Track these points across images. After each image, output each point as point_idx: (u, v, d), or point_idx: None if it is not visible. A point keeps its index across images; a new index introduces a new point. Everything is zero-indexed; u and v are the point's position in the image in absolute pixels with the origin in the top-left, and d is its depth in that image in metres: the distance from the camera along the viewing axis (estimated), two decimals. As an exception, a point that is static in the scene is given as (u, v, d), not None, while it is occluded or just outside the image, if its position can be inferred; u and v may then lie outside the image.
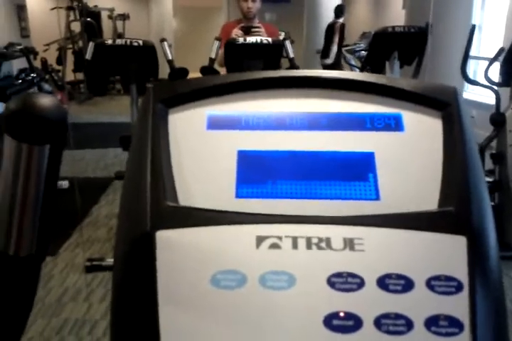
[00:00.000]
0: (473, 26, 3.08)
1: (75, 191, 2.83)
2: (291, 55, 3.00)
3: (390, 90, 0.65)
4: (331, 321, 0.49)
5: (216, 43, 2.98)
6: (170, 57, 2.99)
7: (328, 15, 7.16)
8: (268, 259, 0.52)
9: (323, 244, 0.53)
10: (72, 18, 8.01)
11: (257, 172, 0.60)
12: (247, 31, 3.10)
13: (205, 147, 0.62)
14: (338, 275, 0.51)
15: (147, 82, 3.06)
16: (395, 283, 0.51)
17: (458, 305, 0.50)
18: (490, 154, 2.85)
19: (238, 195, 0.58)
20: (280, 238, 0.53)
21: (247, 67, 2.87)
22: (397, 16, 7.45)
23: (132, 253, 0.54)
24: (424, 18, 3.88)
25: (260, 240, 0.53)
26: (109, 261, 2.72)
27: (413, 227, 0.54)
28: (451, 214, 0.55)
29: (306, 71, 0.68)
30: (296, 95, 0.66)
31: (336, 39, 6.42)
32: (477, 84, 3.11)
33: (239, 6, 3.26)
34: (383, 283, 0.51)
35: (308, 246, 0.53)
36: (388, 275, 0.51)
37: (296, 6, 9.31)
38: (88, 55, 2.87)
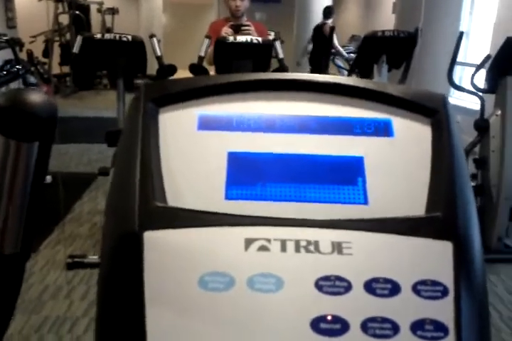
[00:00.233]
0: (461, 33, 3.12)
1: (58, 186, 2.79)
2: (281, 55, 3.00)
3: (380, 96, 0.65)
4: (318, 324, 0.49)
5: (206, 41, 2.97)
6: (159, 54, 2.97)
7: (318, 17, 7.18)
8: (256, 262, 0.52)
9: (311, 247, 0.53)
10: (60, 10, 7.90)
11: (247, 174, 0.60)
12: (237, 29, 3.09)
13: (195, 147, 0.61)
14: (326, 278, 0.51)
15: (135, 77, 3.04)
16: (381, 287, 0.51)
17: (443, 310, 0.50)
18: (473, 159, 2.90)
19: (227, 197, 0.58)
20: (269, 240, 0.53)
21: (237, 66, 2.87)
22: (386, 20, 7.51)
23: (119, 254, 0.54)
24: (413, 23, 3.93)
25: (249, 242, 0.53)
26: (91, 258, 2.70)
27: (400, 232, 0.55)
28: (438, 220, 0.56)
29: (299, 74, 0.68)
30: (288, 98, 0.66)
31: (336, 42, 6.42)
32: (463, 90, 3.16)
33: (227, 4, 3.25)
34: (370, 286, 0.51)
35: (297, 249, 0.53)
36: (375, 280, 0.51)
37: (287, 6, 9.33)
38: (76, 49, 2.84)
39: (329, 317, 0.49)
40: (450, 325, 0.49)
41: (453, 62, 3.03)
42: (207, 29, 3.29)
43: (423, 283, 0.51)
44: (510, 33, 2.76)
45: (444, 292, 0.51)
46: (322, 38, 6.49)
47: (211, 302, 0.50)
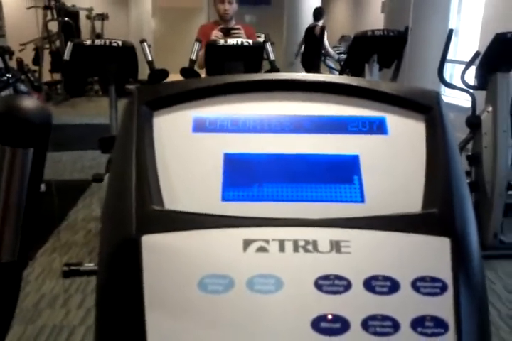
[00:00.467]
0: (451, 31, 3.14)
1: (52, 194, 2.78)
2: (272, 57, 3.01)
3: (374, 94, 0.66)
4: (318, 324, 0.49)
5: (196, 45, 2.97)
6: (150, 58, 2.96)
7: (308, 18, 7.21)
8: (255, 263, 0.52)
9: (309, 247, 0.53)
10: (49, 17, 7.88)
11: (243, 175, 0.60)
12: (227, 33, 3.10)
13: (190, 150, 0.61)
14: (325, 277, 0.51)
15: (126, 83, 3.03)
16: (381, 284, 0.51)
17: (443, 306, 0.50)
18: (466, 156, 2.91)
19: (224, 198, 0.58)
20: (267, 241, 0.53)
21: (228, 69, 2.87)
22: (375, 20, 7.55)
23: (118, 258, 0.53)
24: (402, 22, 3.95)
25: (247, 243, 0.53)
26: (88, 265, 2.66)
27: (398, 229, 0.55)
28: (435, 216, 0.56)
29: (292, 74, 0.68)
30: (282, 98, 0.66)
31: (326, 42, 6.44)
32: (454, 88, 3.17)
33: (215, 8, 3.26)
34: (370, 284, 0.51)
35: (295, 249, 0.53)
36: (374, 277, 0.51)
37: (276, 9, 9.36)
38: (66, 56, 2.83)
39: (330, 317, 0.49)
40: (450, 320, 0.49)
41: (443, 59, 3.05)
42: (196, 33, 3.29)
43: (422, 279, 0.51)
44: (498, 29, 2.78)
45: (443, 288, 0.51)
46: (314, 39, 6.51)
47: (211, 305, 0.49)
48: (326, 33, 6.35)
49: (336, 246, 0.53)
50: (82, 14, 8.99)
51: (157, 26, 11.57)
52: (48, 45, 7.94)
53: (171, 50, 10.19)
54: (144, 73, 2.97)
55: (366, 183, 0.59)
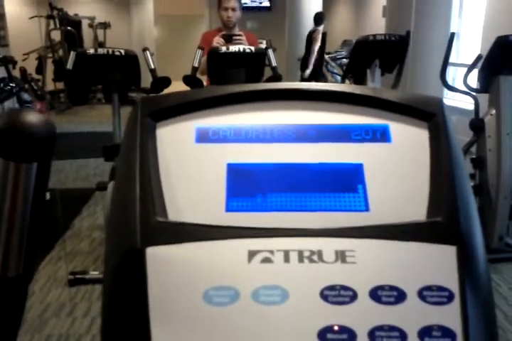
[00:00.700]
0: (452, 34, 3.14)
1: (56, 203, 2.78)
2: (274, 63, 3.01)
3: (376, 102, 0.66)
4: (325, 335, 0.48)
5: (199, 52, 2.98)
6: (152, 66, 2.97)
7: (309, 23, 7.22)
8: (260, 274, 0.51)
9: (315, 257, 0.53)
10: (52, 26, 7.94)
11: (247, 185, 0.60)
12: (229, 39, 3.11)
13: (194, 160, 0.61)
14: (331, 288, 0.51)
15: (129, 91, 3.04)
16: (387, 294, 0.51)
17: (450, 315, 0.50)
18: (470, 159, 2.90)
19: (228, 209, 0.57)
20: (272, 252, 0.53)
21: (230, 76, 2.88)
22: (377, 24, 7.56)
23: (122, 271, 0.53)
24: (403, 26, 3.96)
25: (252, 254, 0.53)
26: (93, 273, 2.68)
27: (403, 238, 0.54)
28: (440, 224, 0.56)
29: (294, 83, 0.68)
30: (284, 107, 0.66)
31: (316, 48, 6.44)
32: (456, 91, 3.17)
33: (219, 15, 3.27)
34: (376, 294, 0.51)
35: (300, 259, 0.52)
36: (380, 287, 0.51)
37: (278, 14, 9.40)
38: (69, 65, 2.84)
39: (336, 328, 0.49)
40: (457, 330, 0.49)
41: (445, 63, 3.05)
42: (199, 40, 3.31)
43: (428, 288, 0.51)
44: (499, 32, 2.78)
45: (450, 297, 0.51)
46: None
47: (217, 317, 0.49)
48: (324, 39, 6.33)
49: (341, 256, 0.53)
50: (85, 23, 9.05)
51: (159, 34, 11.63)
52: (50, 54, 7.99)
53: (174, 57, 10.25)
54: (146, 81, 2.98)
55: (370, 192, 0.59)
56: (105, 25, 9.20)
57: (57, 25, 7.97)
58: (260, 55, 2.94)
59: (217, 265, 0.52)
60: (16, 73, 5.62)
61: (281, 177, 0.60)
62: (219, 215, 0.57)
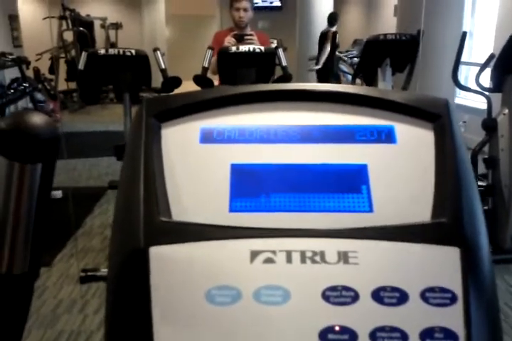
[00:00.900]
0: (465, 33, 3.11)
1: (68, 201, 2.81)
2: (284, 63, 3.01)
3: (382, 102, 0.65)
4: (326, 335, 0.48)
5: (209, 52, 3.00)
6: (163, 67, 2.99)
7: (320, 23, 7.20)
8: (262, 274, 0.52)
9: (317, 258, 0.53)
10: (64, 27, 8.02)
11: (251, 185, 0.60)
12: (240, 39, 3.12)
13: (198, 161, 0.62)
14: (333, 288, 0.51)
15: (140, 91, 3.07)
16: (389, 295, 0.51)
17: (452, 317, 0.50)
18: (483, 159, 2.87)
19: (232, 209, 0.58)
20: (274, 252, 0.53)
21: (240, 76, 2.88)
22: (388, 24, 7.51)
23: (126, 269, 0.54)
24: (415, 25, 3.92)
25: (254, 255, 0.53)
26: (104, 271, 2.70)
27: (407, 239, 0.54)
28: (445, 226, 0.55)
29: (299, 84, 0.68)
30: (289, 108, 0.66)
31: (328, 47, 6.42)
32: (468, 90, 3.14)
33: (231, 15, 3.28)
34: (378, 296, 0.51)
35: (303, 260, 0.53)
36: (383, 288, 0.51)
37: (289, 14, 9.38)
38: (81, 65, 2.87)
39: (337, 328, 0.49)
40: (460, 332, 0.49)
41: (457, 62, 3.02)
42: (211, 40, 3.32)
43: (431, 290, 0.51)
44: (512, 31, 2.74)
45: (453, 299, 0.50)
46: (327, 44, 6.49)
47: (219, 316, 0.50)
48: (334, 38, 6.32)
49: (343, 256, 0.53)
50: (97, 23, 9.13)
51: (170, 34, 11.68)
52: (63, 55, 8.07)
53: (185, 57, 10.28)
54: (157, 81, 3.00)
55: (375, 193, 0.59)
56: (117, 26, 9.27)
57: (70, 26, 8.05)
58: (270, 55, 2.94)
59: (220, 265, 0.52)
60: (30, 73, 5.70)
61: (285, 178, 0.61)
62: (222, 215, 0.57)
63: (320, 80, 6.42)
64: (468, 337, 0.49)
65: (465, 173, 0.60)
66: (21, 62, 5.60)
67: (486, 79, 2.93)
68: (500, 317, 0.56)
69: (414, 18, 4.45)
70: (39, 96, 5.71)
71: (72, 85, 7.76)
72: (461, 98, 5.37)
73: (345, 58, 6.82)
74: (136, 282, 0.52)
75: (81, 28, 7.99)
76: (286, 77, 2.98)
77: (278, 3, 10.41)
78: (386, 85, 3.59)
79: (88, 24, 8.61)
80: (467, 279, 0.51)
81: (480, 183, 2.86)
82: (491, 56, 2.90)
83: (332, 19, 6.61)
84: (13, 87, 5.16)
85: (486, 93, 2.95)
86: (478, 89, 2.95)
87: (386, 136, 0.64)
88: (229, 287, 0.51)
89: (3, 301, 0.55)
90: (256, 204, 0.58)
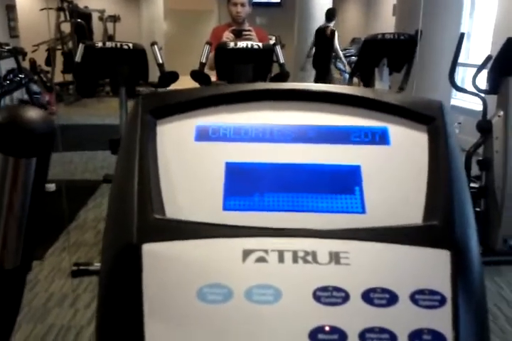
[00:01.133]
0: (462, 34, 3.11)
1: (62, 194, 2.80)
2: (282, 60, 3.00)
3: (377, 104, 0.66)
4: (316, 335, 0.49)
5: (207, 47, 2.98)
6: (160, 61, 2.98)
7: (319, 20, 7.18)
8: (254, 273, 0.52)
9: (309, 258, 0.53)
10: (62, 19, 7.96)
11: (245, 184, 0.60)
12: (239, 34, 3.10)
13: (193, 159, 0.62)
14: (324, 289, 0.51)
15: (137, 85, 3.05)
16: (379, 297, 0.51)
17: (441, 319, 0.50)
18: (477, 160, 2.89)
19: (225, 208, 0.58)
20: (266, 251, 0.53)
21: (237, 72, 2.87)
22: (387, 23, 7.51)
23: (118, 266, 0.54)
24: (413, 25, 3.93)
25: (247, 254, 0.53)
26: (96, 265, 2.70)
27: (398, 241, 0.55)
28: (436, 229, 0.56)
29: (295, 84, 0.68)
30: (284, 108, 0.66)
31: (337, 44, 6.41)
32: (465, 92, 3.15)
33: (228, 10, 3.27)
34: (368, 297, 0.51)
35: (295, 259, 0.53)
36: (373, 289, 0.51)
37: (288, 10, 9.36)
38: (78, 58, 2.86)
39: (327, 328, 0.49)
40: (448, 334, 0.49)
41: (454, 63, 3.02)
42: (209, 35, 3.31)
43: (421, 292, 0.51)
44: (510, 33, 2.76)
45: (442, 301, 0.51)
46: (324, 40, 6.49)
47: (210, 314, 0.50)
48: (336, 35, 6.33)
49: (335, 257, 0.53)
50: (95, 16, 9.06)
51: (168, 28, 11.62)
52: (60, 46, 8.02)
53: (182, 52, 10.23)
54: (154, 75, 2.99)
55: (367, 194, 0.59)
56: (115, 19, 9.20)
57: (67, 18, 7.99)
58: (268, 52, 2.93)
59: (212, 263, 0.53)
60: (26, 64, 5.66)
61: (279, 178, 0.61)
62: (216, 214, 0.57)
63: (317, 78, 6.42)
64: (456, 339, 0.49)
65: (458, 177, 0.60)
66: (17, 53, 5.56)
67: (483, 81, 2.94)
68: (489, 319, 0.56)
69: (412, 18, 4.45)
70: (35, 87, 5.67)
71: (69, 77, 7.72)
72: (458, 99, 5.39)
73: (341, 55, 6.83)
74: (128, 278, 0.52)
75: (79, 20, 7.93)
76: (284, 75, 2.98)
77: (277, 0, 10.39)
78: (383, 85, 3.59)
79: (86, 16, 8.55)
80: (456, 282, 0.52)
81: (473, 185, 2.88)
82: (488, 58, 2.90)
83: (330, 15, 6.60)
84: (8, 78, 5.12)
85: (482, 95, 2.96)
86: (475, 90, 2.96)
87: (380, 138, 0.64)
88: (221, 285, 0.51)
89: None
90: (250, 203, 0.58)
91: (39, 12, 7.35)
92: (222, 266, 0.52)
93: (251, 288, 0.51)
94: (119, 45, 2.84)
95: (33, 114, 0.52)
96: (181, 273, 0.52)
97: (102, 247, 0.59)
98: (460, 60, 3.16)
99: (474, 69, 3.04)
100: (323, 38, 6.53)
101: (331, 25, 6.56)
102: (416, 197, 0.59)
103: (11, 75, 5.20)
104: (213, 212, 0.57)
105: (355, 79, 4.31)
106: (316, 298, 0.51)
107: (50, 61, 7.30)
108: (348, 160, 0.62)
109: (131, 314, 0.51)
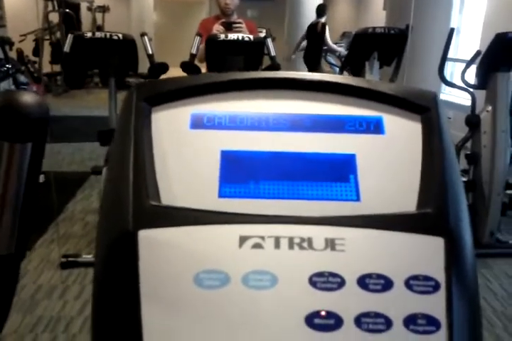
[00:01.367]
0: (452, 29, 3.13)
1: (50, 185, 2.78)
2: (273, 53, 3.00)
3: (372, 93, 0.66)
4: (312, 320, 0.49)
5: (197, 39, 2.97)
6: (150, 52, 2.95)
7: (310, 14, 7.18)
8: (251, 259, 0.52)
9: (305, 244, 0.54)
10: (50, 8, 7.84)
11: (240, 172, 0.60)
12: (229, 27, 3.09)
13: (188, 146, 0.62)
14: (320, 274, 0.52)
15: (126, 76, 3.02)
16: (374, 282, 0.52)
17: (435, 304, 0.51)
18: (465, 154, 2.92)
19: (221, 195, 0.58)
20: (263, 238, 0.54)
21: (228, 64, 2.86)
22: (377, 17, 7.53)
23: (114, 253, 0.54)
24: (404, 19, 3.94)
25: (243, 240, 0.53)
26: (85, 257, 2.69)
27: (392, 228, 0.55)
28: (429, 216, 0.56)
29: (290, 73, 0.68)
30: (280, 96, 0.66)
31: (329, 40, 6.42)
32: (454, 86, 3.18)
33: (217, 2, 3.24)
34: (363, 282, 0.52)
35: (291, 246, 0.53)
36: (368, 275, 0.52)
37: (278, 4, 9.32)
38: (66, 48, 2.82)
39: (323, 313, 0.50)
40: (442, 319, 0.50)
41: (444, 58, 3.04)
42: (198, 27, 3.29)
43: (415, 278, 0.52)
44: (499, 29, 2.78)
45: (436, 287, 0.52)
46: (316, 36, 6.49)
47: (207, 300, 0.50)
48: (327, 30, 6.33)
49: (330, 243, 0.54)
50: (83, 6, 8.95)
51: (158, 19, 11.51)
52: (48, 37, 7.90)
53: (172, 43, 10.16)
54: (144, 66, 2.97)
55: (362, 182, 0.60)
56: (104, 9, 9.09)
57: (56, 7, 7.88)
58: (259, 44, 2.93)
59: (209, 249, 0.53)
60: (13, 54, 5.57)
61: (274, 165, 0.61)
62: (212, 201, 0.57)
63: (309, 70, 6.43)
64: (450, 324, 0.50)
65: (451, 165, 0.61)
66: (4, 42, 5.45)
67: (472, 75, 2.97)
68: (480, 306, 0.57)
69: (403, 13, 4.47)
70: (22, 78, 5.58)
71: (57, 68, 7.60)
72: (447, 94, 5.43)
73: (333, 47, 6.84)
74: (125, 265, 0.52)
75: (67, 10, 7.82)
76: (275, 67, 2.97)
77: (268, -7, 10.34)
78: (373, 78, 3.60)
79: (74, 6, 8.43)
80: (450, 268, 0.53)
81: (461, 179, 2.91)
82: (477, 53, 2.93)
83: (320, 10, 6.60)
84: (-5, 68, 5.04)
85: (471, 90, 2.99)
86: (464, 85, 2.98)
87: (375, 127, 0.64)
88: (217, 271, 0.51)
89: None
90: (245, 191, 0.59)
91: (27, 1, 7.23)
92: (218, 252, 0.53)
93: (247, 273, 0.51)
94: (108, 35, 2.80)
95: (28, 98, 0.51)
96: (178, 259, 0.52)
97: (97, 234, 0.59)
98: (449, 55, 3.18)
99: (463, 65, 3.07)
100: (315, 34, 6.54)
101: (322, 20, 6.56)
102: (410, 185, 0.60)
103: (-2, 65, 5.11)
104: (209, 199, 0.58)
105: (346, 73, 4.32)
106: (312, 283, 0.51)
107: (37, 51, 7.20)
108: (343, 148, 0.62)
109: (127, 300, 0.51)
